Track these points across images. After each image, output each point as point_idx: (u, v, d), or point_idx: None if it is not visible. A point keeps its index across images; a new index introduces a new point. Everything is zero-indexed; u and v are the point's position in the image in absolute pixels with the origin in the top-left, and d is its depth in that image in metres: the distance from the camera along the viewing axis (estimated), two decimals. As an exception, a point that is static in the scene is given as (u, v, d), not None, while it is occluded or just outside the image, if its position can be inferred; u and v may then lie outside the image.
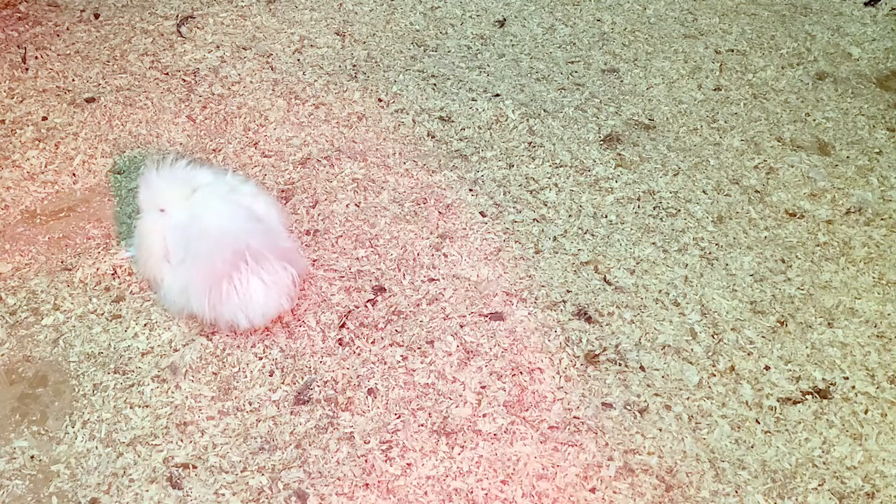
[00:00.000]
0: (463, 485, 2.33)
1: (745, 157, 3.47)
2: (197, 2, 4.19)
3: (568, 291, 2.87)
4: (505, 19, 4.22)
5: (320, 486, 2.31)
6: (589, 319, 2.78)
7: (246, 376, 2.58)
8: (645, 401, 2.55)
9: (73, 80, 3.70)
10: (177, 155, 2.79)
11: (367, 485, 2.32)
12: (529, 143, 3.47)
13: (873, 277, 2.98)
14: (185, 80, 3.71)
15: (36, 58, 3.80)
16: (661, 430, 2.49)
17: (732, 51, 4.06)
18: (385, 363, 2.63)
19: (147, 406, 2.50)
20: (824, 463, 2.43)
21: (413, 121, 3.56)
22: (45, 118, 3.48)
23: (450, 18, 4.21)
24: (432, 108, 3.63)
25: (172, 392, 2.53)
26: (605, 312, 2.81)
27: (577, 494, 2.32)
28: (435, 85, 3.76)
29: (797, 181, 3.36)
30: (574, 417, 2.50)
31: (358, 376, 2.59)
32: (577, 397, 2.55)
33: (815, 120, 3.67)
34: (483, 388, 2.57)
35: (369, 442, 2.42)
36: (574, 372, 2.62)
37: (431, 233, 3.07)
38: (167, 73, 3.75)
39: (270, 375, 2.59)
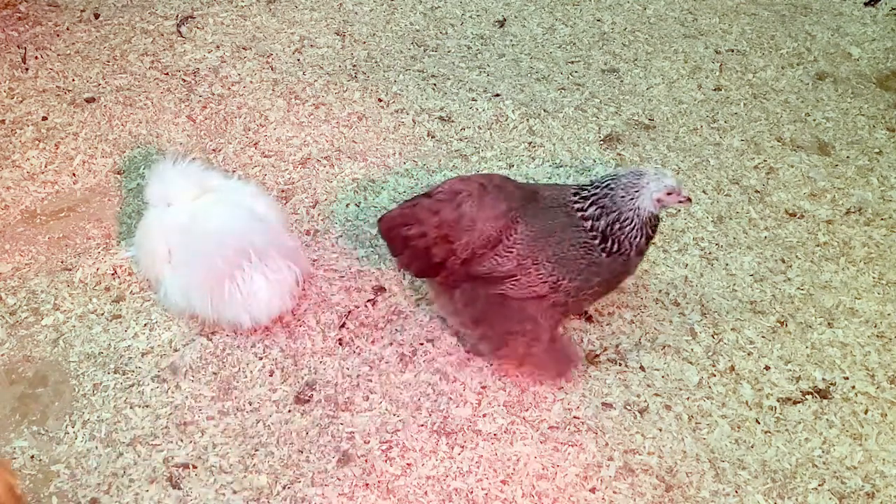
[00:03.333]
0: (463, 485, 2.33)
1: (745, 157, 3.47)
2: (197, 2, 4.19)
3: (568, 291, 2.87)
4: (505, 19, 4.22)
5: (320, 486, 2.31)
6: (589, 319, 2.78)
7: (246, 376, 2.58)
8: (645, 401, 2.55)
9: (73, 80, 3.70)
10: (192, 156, 2.80)
11: (367, 485, 2.32)
12: (529, 143, 3.47)
13: (873, 277, 2.98)
14: (185, 80, 3.71)
15: (36, 58, 3.80)
16: (661, 430, 2.49)
17: (732, 51, 4.06)
18: (385, 363, 2.63)
19: (147, 406, 2.50)
20: (824, 463, 2.43)
21: (413, 121, 3.56)
22: (45, 118, 3.48)
23: (450, 18, 4.21)
24: (432, 108, 3.63)
25: (172, 392, 2.53)
26: (605, 312, 2.81)
27: (577, 494, 2.32)
28: (435, 85, 3.76)
29: (797, 181, 3.36)
30: (574, 417, 2.50)
31: (358, 376, 2.59)
32: (577, 397, 2.55)
33: (815, 120, 3.67)
34: (483, 388, 2.57)
35: (369, 442, 2.42)
36: (574, 372, 2.62)
37: (431, 233, 3.07)
38: (167, 73, 3.75)
39: (270, 375, 2.59)
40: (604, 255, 2.35)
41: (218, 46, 3.92)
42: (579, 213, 2.36)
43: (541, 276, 2.33)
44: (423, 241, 2.36)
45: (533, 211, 2.36)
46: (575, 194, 2.40)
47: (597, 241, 2.34)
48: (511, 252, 2.33)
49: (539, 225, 2.34)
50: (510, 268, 2.33)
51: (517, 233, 2.33)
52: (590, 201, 2.36)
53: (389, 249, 2.50)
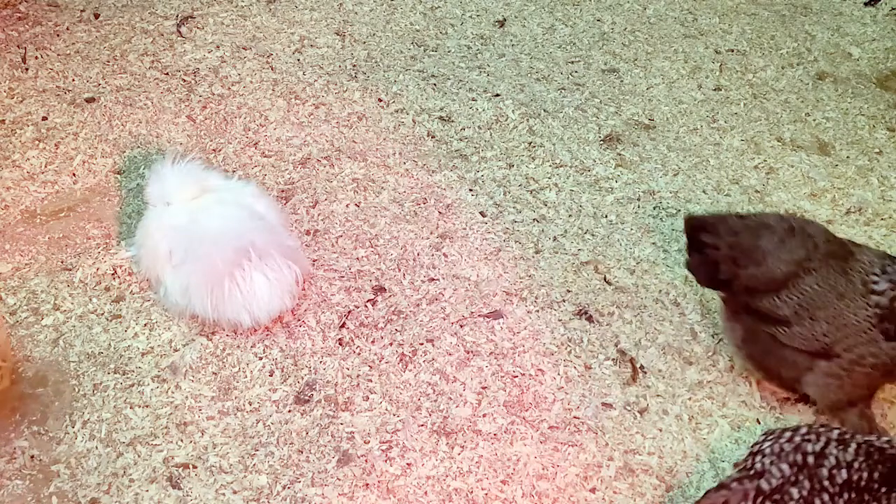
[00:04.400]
0: (463, 485, 2.33)
1: (745, 157, 3.47)
2: (197, 2, 4.19)
3: (568, 291, 2.87)
4: (505, 19, 4.22)
5: (320, 486, 2.31)
6: (590, 319, 2.78)
7: (246, 376, 2.58)
8: (645, 401, 2.55)
9: (73, 80, 3.70)
10: (192, 156, 2.80)
11: (367, 485, 2.32)
12: (529, 143, 3.47)
13: (873, 277, 2.97)
14: (185, 80, 3.71)
15: (36, 58, 3.80)
16: (661, 430, 2.49)
17: (732, 51, 4.06)
18: (385, 363, 2.63)
19: (147, 406, 2.50)
20: (824, 463, 2.43)
21: (413, 121, 3.56)
22: (45, 118, 3.48)
23: (450, 18, 4.21)
24: (432, 108, 3.63)
25: (172, 392, 2.53)
26: (605, 312, 2.80)
27: (577, 494, 2.32)
28: (435, 85, 3.76)
29: (797, 181, 3.36)
30: (574, 417, 2.50)
31: (358, 376, 2.59)
32: (577, 397, 2.55)
33: (815, 120, 3.67)
34: (483, 388, 2.57)
35: (369, 442, 2.42)
36: (574, 372, 2.62)
37: (431, 233, 3.07)
38: (167, 73, 3.75)
39: (270, 375, 2.59)
40: (882, 337, 2.23)
41: (218, 46, 3.92)
42: (873, 287, 2.25)
43: (814, 334, 2.29)
44: (714, 254, 2.42)
45: (832, 269, 2.30)
46: (880, 267, 2.28)
47: (876, 321, 2.23)
48: (791, 299, 2.30)
49: (830, 284, 2.28)
50: (786, 313, 2.31)
51: (803, 282, 2.30)
52: (886, 273, 2.25)
53: (687, 247, 2.56)
